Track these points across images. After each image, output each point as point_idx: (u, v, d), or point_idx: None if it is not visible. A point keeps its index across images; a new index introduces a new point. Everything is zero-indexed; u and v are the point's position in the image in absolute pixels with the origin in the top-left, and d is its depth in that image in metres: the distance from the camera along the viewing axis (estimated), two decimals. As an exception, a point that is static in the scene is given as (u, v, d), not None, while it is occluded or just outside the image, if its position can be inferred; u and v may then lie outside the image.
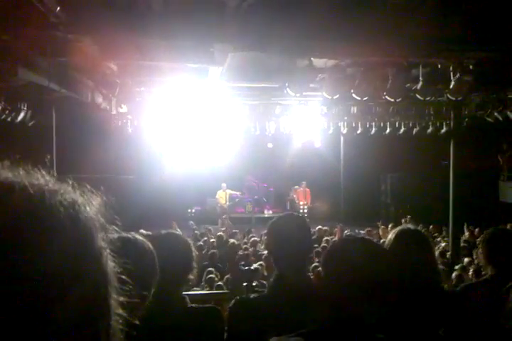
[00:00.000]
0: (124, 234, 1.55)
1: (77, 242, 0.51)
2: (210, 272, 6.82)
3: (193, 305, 2.00)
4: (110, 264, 0.56)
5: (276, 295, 1.91)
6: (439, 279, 2.30)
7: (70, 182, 0.57)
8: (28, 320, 0.45)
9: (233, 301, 2.01)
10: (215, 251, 8.22)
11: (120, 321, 0.57)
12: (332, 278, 1.39)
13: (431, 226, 10.88)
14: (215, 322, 1.98)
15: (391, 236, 2.19)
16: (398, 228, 2.25)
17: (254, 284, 2.90)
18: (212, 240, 9.69)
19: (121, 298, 0.58)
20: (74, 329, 0.49)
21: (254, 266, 5.82)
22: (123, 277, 0.59)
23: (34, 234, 0.47)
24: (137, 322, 1.52)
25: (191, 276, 1.98)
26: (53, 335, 0.47)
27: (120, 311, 0.57)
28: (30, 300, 0.45)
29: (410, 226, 2.25)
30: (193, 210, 15.34)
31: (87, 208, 0.55)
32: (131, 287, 0.63)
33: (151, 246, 1.62)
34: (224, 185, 14.42)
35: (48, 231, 0.48)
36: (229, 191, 14.64)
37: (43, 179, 0.54)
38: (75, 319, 0.49)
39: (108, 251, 0.56)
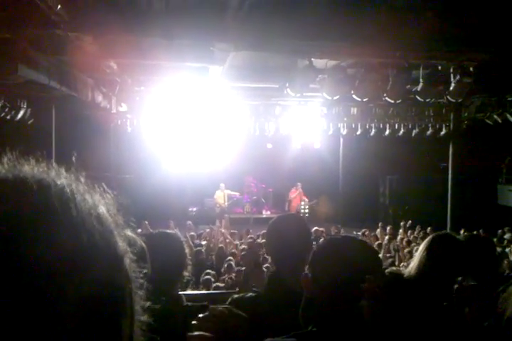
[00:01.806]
0: None
1: (104, 245, 0.48)
2: (208, 273, 6.79)
3: (188, 303, 2.00)
4: (132, 268, 0.52)
5: (272, 294, 1.90)
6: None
7: (84, 181, 0.52)
8: (50, 316, 0.42)
9: (229, 299, 2.00)
10: (200, 248, 8.11)
11: (143, 328, 0.53)
12: (320, 277, 1.36)
13: (429, 228, 10.87)
14: None
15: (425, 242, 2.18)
16: (434, 234, 2.25)
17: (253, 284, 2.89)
18: (204, 243, 9.43)
19: (146, 303, 0.54)
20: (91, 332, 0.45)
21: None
22: (141, 281, 0.55)
23: (69, 248, 0.44)
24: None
25: (186, 273, 1.98)
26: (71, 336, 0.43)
27: (145, 318, 0.53)
28: (54, 301, 0.42)
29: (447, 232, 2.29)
30: (194, 209, 15.26)
31: (104, 209, 0.51)
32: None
33: (142, 243, 1.61)
34: (222, 185, 14.39)
35: (82, 238, 0.45)
36: (227, 191, 14.60)
37: (66, 177, 0.50)
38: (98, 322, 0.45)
39: (130, 254, 0.53)
